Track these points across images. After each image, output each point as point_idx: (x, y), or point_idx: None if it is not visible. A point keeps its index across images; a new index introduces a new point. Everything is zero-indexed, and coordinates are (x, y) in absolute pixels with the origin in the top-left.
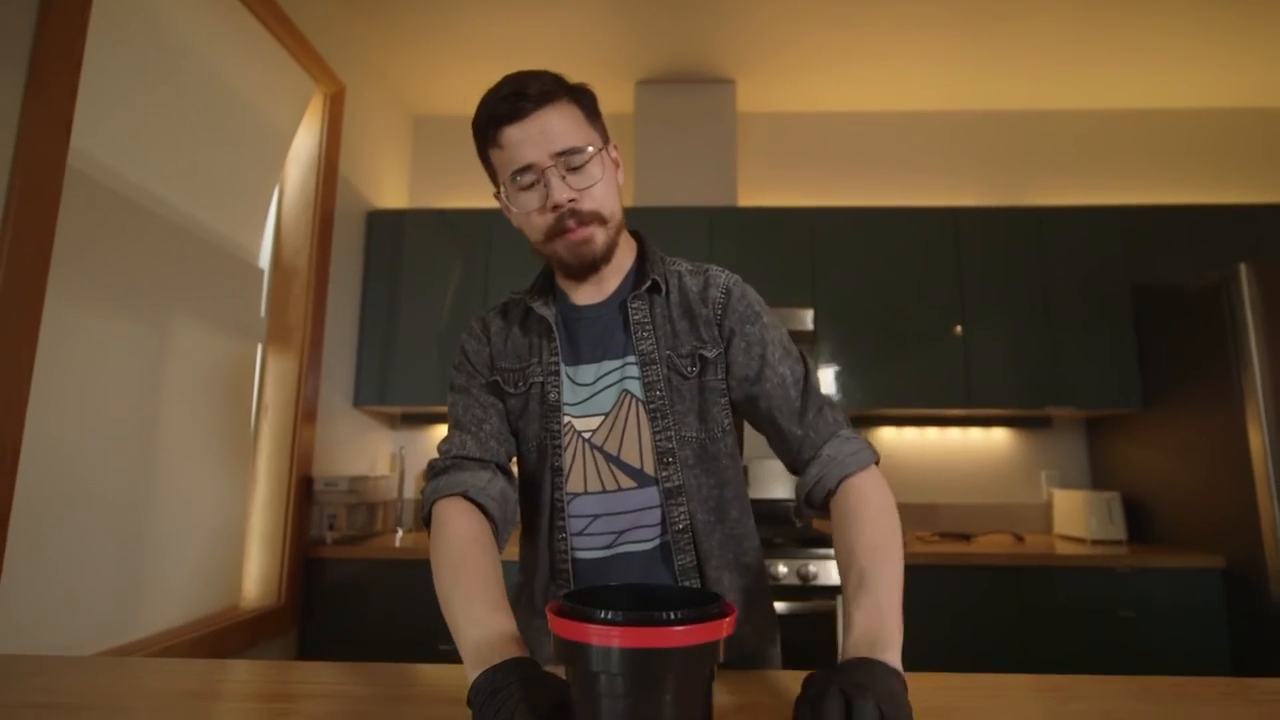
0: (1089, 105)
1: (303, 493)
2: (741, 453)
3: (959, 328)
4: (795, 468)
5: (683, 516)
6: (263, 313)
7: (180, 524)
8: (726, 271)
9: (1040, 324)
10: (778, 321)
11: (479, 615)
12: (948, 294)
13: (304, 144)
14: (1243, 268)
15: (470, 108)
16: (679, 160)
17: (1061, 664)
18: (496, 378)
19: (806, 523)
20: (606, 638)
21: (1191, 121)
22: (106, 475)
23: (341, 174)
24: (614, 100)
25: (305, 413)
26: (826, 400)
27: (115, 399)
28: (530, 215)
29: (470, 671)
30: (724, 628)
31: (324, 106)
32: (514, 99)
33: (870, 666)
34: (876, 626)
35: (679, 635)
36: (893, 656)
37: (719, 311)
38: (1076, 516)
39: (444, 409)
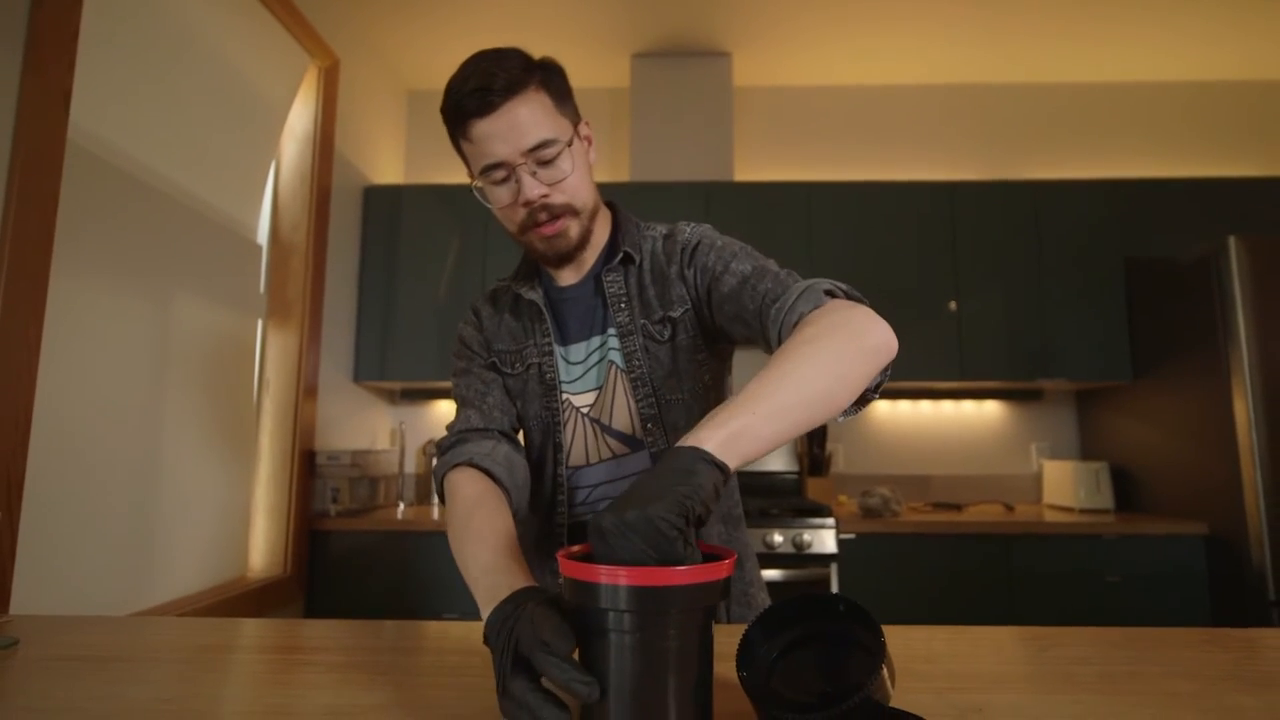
0: (1083, 79)
1: (306, 466)
2: None
3: (952, 304)
4: (767, 343)
5: None
6: (262, 289)
7: (186, 497)
8: (693, 225)
9: (1033, 297)
10: (748, 247)
11: (488, 562)
12: (942, 267)
13: (299, 119)
14: (1231, 241)
15: None
16: (675, 135)
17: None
18: (495, 359)
19: None
20: (614, 576)
21: (1184, 94)
22: (113, 450)
23: (338, 149)
24: (610, 74)
25: (306, 388)
26: (789, 272)
27: (120, 376)
28: (502, 210)
29: (485, 611)
30: (723, 569)
31: (318, 80)
32: (481, 93)
33: (664, 458)
34: (712, 415)
35: (682, 574)
36: (707, 436)
37: (684, 261)
38: (1065, 486)
39: (443, 384)
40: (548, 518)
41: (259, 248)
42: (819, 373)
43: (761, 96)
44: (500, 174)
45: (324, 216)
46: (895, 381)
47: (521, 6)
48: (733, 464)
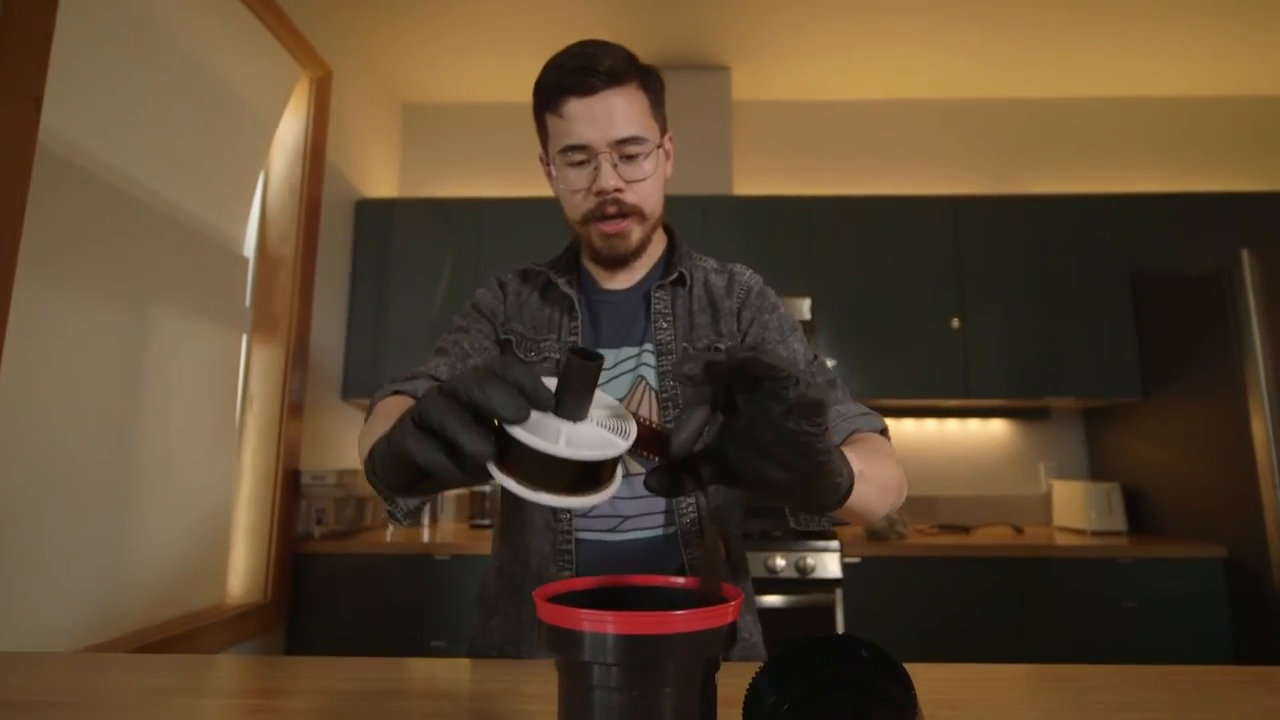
0: (1087, 93)
1: (290, 487)
2: None
3: (955, 320)
4: None
5: (690, 508)
6: (248, 303)
7: (163, 519)
8: (751, 271)
9: (1039, 313)
10: (795, 322)
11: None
12: (946, 283)
13: (289, 130)
14: (1244, 254)
15: (461, 96)
16: (674, 148)
17: (1064, 656)
18: (509, 337)
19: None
20: (601, 623)
21: (1189, 109)
22: (85, 469)
23: (329, 161)
24: None
25: (292, 405)
26: (835, 379)
27: (94, 391)
28: (571, 194)
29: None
30: (728, 613)
31: (310, 91)
32: (584, 73)
33: None
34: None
35: (680, 620)
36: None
37: (740, 301)
38: (1076, 508)
39: None
40: (548, 529)
41: (245, 260)
42: (884, 487)
43: (761, 111)
44: (580, 156)
45: (313, 229)
46: (900, 400)
47: (519, 20)
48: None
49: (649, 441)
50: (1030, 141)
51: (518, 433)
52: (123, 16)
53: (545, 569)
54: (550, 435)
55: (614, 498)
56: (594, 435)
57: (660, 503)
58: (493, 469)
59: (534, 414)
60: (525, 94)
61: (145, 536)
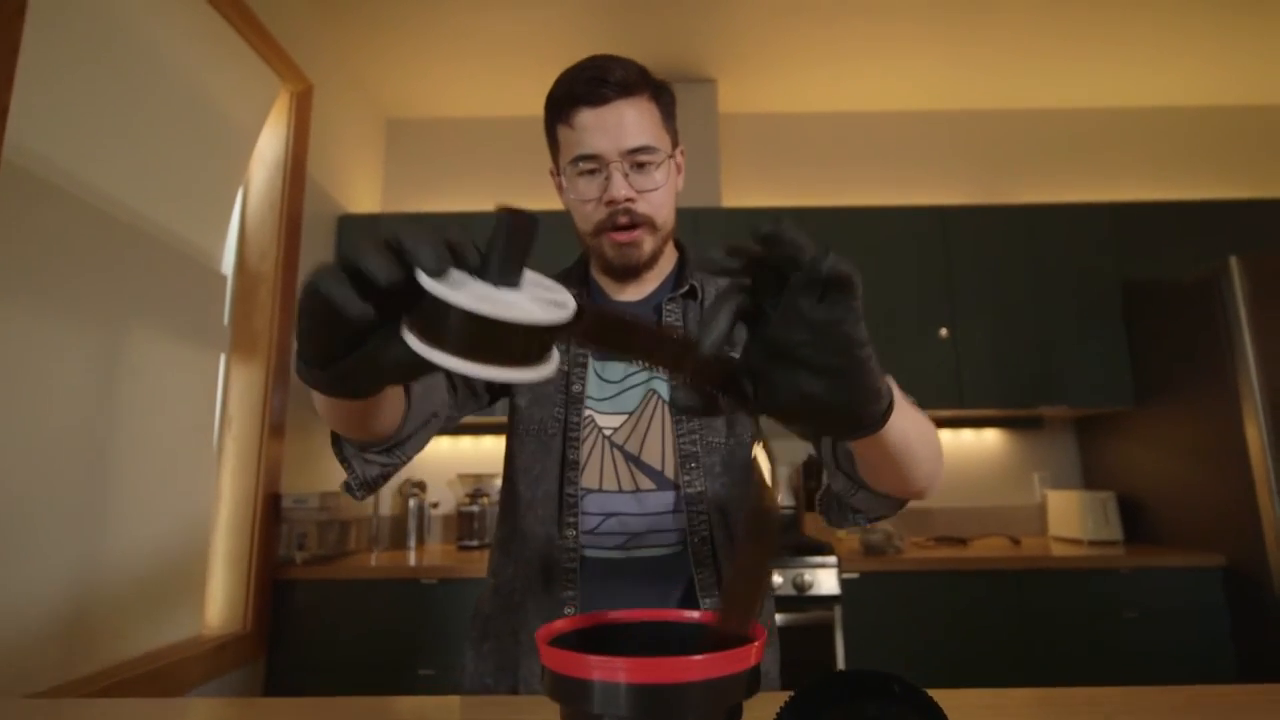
0: (1075, 103)
1: (270, 511)
2: None
3: (943, 330)
4: None
5: (703, 525)
6: (226, 321)
7: (135, 547)
8: None
9: (1030, 322)
10: None
11: None
12: (937, 293)
13: (270, 144)
14: (1233, 261)
15: (445, 111)
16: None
17: (1065, 668)
18: None
19: (833, 502)
20: (611, 671)
21: (1177, 118)
22: (53, 495)
23: (310, 176)
24: None
25: (273, 426)
26: None
27: (63, 412)
28: (584, 204)
29: None
30: (751, 655)
31: (290, 105)
32: (596, 83)
33: None
34: None
35: (699, 667)
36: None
37: None
38: (1071, 518)
39: None
40: (552, 545)
41: (224, 278)
42: (924, 435)
43: (748, 123)
44: (591, 165)
45: (294, 245)
46: None
47: (504, 35)
48: (886, 421)
49: (668, 348)
50: (1018, 151)
51: (431, 285)
52: (95, 27)
53: (547, 588)
54: (469, 294)
55: (623, 514)
56: (520, 301)
57: (671, 520)
58: (407, 333)
59: (456, 273)
60: (511, 108)
61: (117, 566)
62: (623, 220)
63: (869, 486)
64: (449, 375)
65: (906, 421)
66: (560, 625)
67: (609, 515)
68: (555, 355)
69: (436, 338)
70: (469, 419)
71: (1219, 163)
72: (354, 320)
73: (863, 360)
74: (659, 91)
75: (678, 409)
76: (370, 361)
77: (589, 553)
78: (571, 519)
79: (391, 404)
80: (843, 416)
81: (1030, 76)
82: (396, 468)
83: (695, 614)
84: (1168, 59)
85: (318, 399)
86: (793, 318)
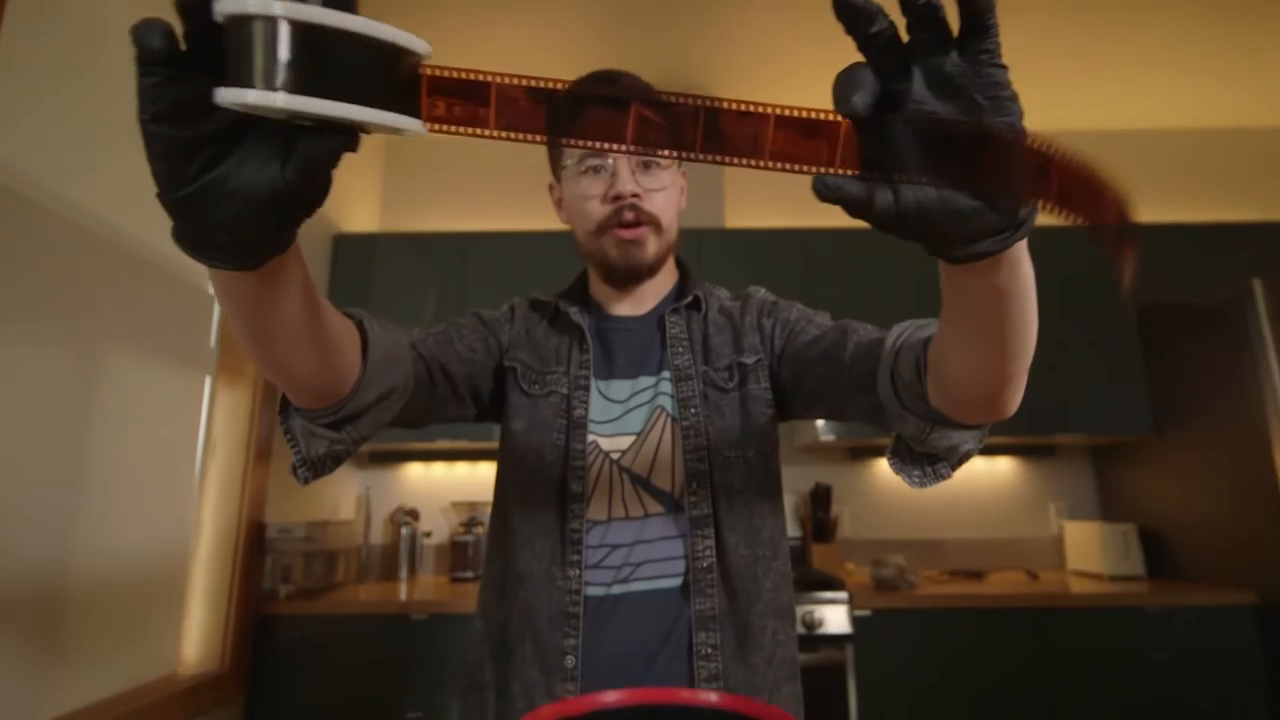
0: (1086, 125)
1: (253, 541)
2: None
3: None
4: (868, 376)
5: (707, 552)
6: (212, 343)
7: (106, 580)
8: (764, 289)
9: (1043, 347)
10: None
11: None
12: None
13: None
14: (1256, 284)
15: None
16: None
17: (1089, 712)
18: (513, 365)
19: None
20: None
21: (1189, 140)
22: (19, 524)
23: None
24: None
25: (259, 452)
26: None
27: (33, 436)
28: (588, 202)
29: None
30: None
31: None
32: (606, 85)
33: None
34: None
35: None
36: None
37: (758, 312)
38: (1090, 550)
39: (417, 445)
40: (553, 585)
41: (211, 298)
42: (1031, 298)
43: None
44: (597, 162)
45: None
46: None
47: (503, 51)
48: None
49: (778, 126)
50: None
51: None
52: (76, 38)
53: (546, 635)
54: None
55: (624, 544)
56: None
57: (676, 546)
58: (220, 91)
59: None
60: None
61: (87, 600)
62: (629, 216)
63: (944, 416)
64: (421, 357)
65: (1029, 269)
66: (550, 713)
67: (614, 547)
68: (418, 122)
69: (250, 69)
70: (463, 443)
71: (1233, 185)
72: (158, 56)
73: (1019, 114)
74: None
75: (830, 195)
76: (220, 183)
77: (590, 591)
78: (575, 556)
79: (333, 345)
80: (992, 181)
81: (1041, 99)
82: (346, 450)
83: (712, 696)
84: (1180, 80)
85: (220, 296)
86: (936, 74)
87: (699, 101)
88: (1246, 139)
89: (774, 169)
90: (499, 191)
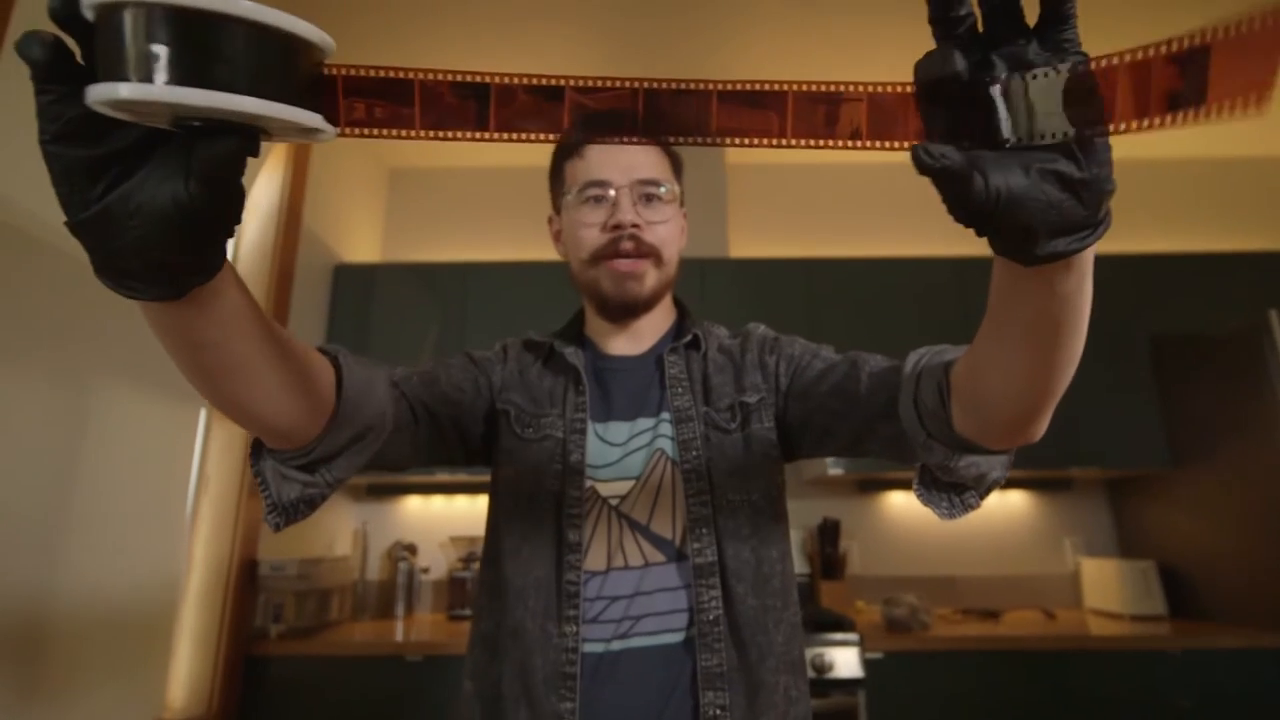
0: None
1: (245, 578)
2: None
3: None
4: (888, 405)
5: (714, 603)
6: None
7: (93, 618)
8: (764, 325)
9: None
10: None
11: None
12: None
13: (264, 192)
14: (1272, 314)
15: (449, 160)
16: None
17: None
18: (505, 408)
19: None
20: None
21: (1206, 169)
22: (2, 559)
23: (306, 225)
24: None
25: (253, 487)
26: None
27: (20, 469)
28: (585, 229)
29: None
30: None
31: (289, 153)
32: None
33: None
34: None
35: None
36: None
37: (760, 348)
38: (1109, 588)
39: (416, 479)
40: (548, 644)
41: None
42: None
43: (755, 173)
44: (598, 191)
45: (285, 296)
46: (909, 471)
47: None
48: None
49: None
50: None
51: None
52: None
53: (542, 698)
54: None
55: (623, 596)
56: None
57: (678, 598)
58: (91, 88)
59: None
60: (515, 158)
61: (70, 641)
62: (627, 246)
63: (970, 442)
64: (404, 396)
65: (1089, 283)
66: None
67: (612, 600)
68: (318, 117)
69: (123, 61)
70: (463, 475)
71: (1248, 214)
72: (42, 70)
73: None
74: (669, 148)
75: (931, 166)
76: (122, 203)
77: (588, 648)
78: (572, 611)
79: (298, 382)
80: (1090, 187)
81: None
82: (321, 493)
83: None
84: None
85: (154, 332)
86: (1020, 63)
87: (636, 84)
88: (1263, 168)
89: (726, 144)
90: (501, 221)
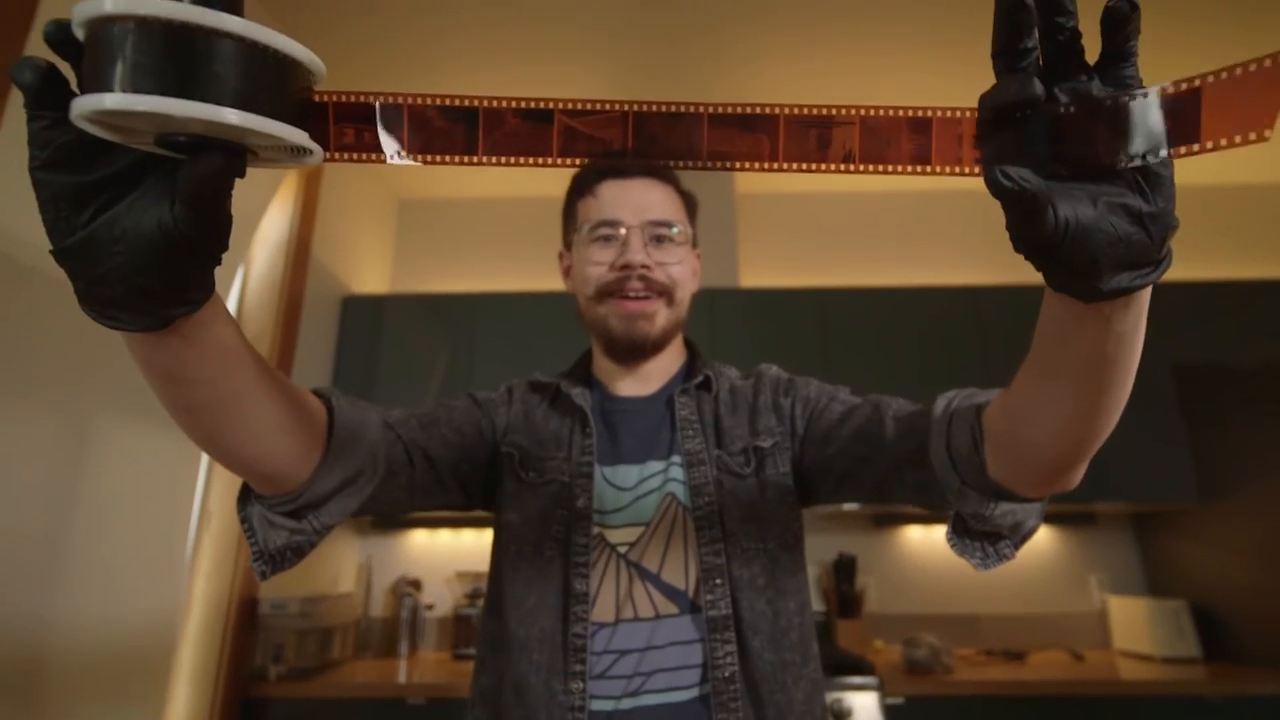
0: None
1: (245, 617)
2: None
3: None
4: (916, 451)
5: (729, 658)
6: None
7: (89, 657)
8: (776, 366)
9: None
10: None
11: None
12: (970, 379)
13: (274, 223)
14: None
15: (459, 191)
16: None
17: None
18: (511, 451)
19: (970, 484)
20: None
21: (1232, 196)
22: None
23: (315, 257)
24: None
25: None
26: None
27: (18, 505)
28: (593, 267)
29: None
30: None
31: (299, 185)
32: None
33: None
34: None
35: None
36: None
37: (774, 390)
38: (1139, 629)
39: (423, 514)
40: (554, 701)
41: None
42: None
43: (766, 203)
44: (608, 230)
45: (293, 327)
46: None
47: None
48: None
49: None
50: None
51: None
52: None
53: None
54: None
55: (634, 650)
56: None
57: (692, 653)
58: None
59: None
60: (524, 189)
61: (63, 681)
62: (636, 286)
63: (1004, 489)
64: (400, 439)
65: (1142, 328)
66: None
67: (621, 654)
68: (304, 134)
69: (109, 73)
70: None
71: (1266, 241)
72: (35, 95)
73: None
74: (683, 189)
75: (1010, 190)
76: (107, 229)
77: (596, 705)
78: (579, 667)
79: (286, 423)
80: (1158, 220)
81: None
82: (309, 540)
83: None
84: None
85: (138, 365)
86: (1083, 99)
87: (626, 106)
88: (1262, 196)
89: (717, 168)
90: (510, 251)
